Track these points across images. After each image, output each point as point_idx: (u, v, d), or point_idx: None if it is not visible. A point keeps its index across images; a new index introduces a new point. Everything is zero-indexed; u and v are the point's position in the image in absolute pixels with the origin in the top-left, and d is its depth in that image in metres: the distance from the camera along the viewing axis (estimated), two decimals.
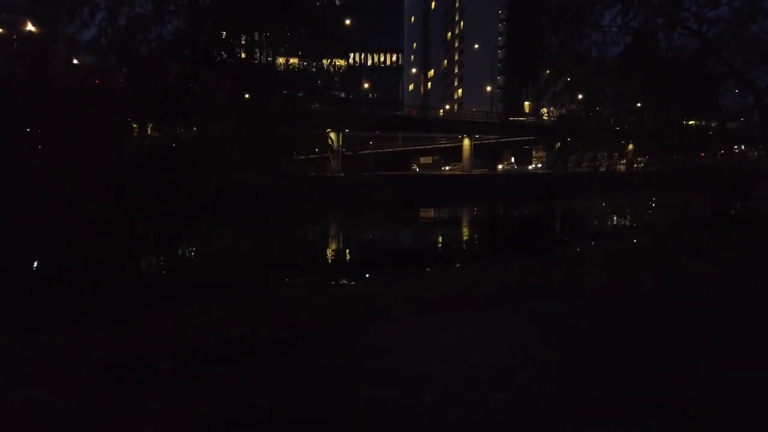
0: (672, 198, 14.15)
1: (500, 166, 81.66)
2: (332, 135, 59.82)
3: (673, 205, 13.78)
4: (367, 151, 62.76)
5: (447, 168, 76.39)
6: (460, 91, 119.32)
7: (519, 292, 6.18)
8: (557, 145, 19.90)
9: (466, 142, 65.46)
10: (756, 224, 12.78)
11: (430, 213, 38.41)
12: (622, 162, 18.30)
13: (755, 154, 15.27)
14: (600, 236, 13.58)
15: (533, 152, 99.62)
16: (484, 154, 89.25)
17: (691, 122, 17.17)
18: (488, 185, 48.77)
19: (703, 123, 16.34)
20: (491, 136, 71.96)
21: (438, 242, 22.12)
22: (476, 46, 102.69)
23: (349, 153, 69.76)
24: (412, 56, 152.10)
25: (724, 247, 9.68)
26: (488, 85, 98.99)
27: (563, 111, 18.36)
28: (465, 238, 21.54)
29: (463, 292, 5.98)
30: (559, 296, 6.04)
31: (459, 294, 5.92)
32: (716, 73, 14.58)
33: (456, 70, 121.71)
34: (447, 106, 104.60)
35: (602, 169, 14.94)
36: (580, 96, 18.38)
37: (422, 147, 78.61)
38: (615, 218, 18.73)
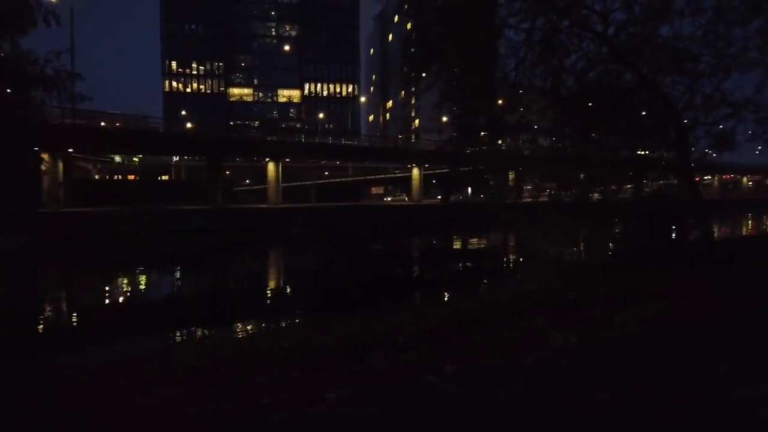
0: (577, 232, 11.68)
1: (451, 197, 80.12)
2: (271, 165, 57.46)
3: (578, 240, 11.30)
4: (308, 182, 60.03)
5: (389, 199, 74.15)
6: (417, 121, 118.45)
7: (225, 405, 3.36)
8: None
9: (415, 171, 63.39)
10: (673, 259, 10.39)
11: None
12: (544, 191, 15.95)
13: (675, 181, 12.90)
14: (487, 278, 11.04)
15: (490, 182, 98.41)
16: (442, 184, 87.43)
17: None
18: (409, 216, 47.93)
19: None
20: (443, 166, 70.10)
21: (275, 286, 18.88)
22: (423, 74, 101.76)
23: (296, 184, 67.03)
24: (371, 88, 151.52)
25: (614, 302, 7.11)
26: (444, 116, 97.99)
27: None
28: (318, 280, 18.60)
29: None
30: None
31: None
32: (627, 84, 12.37)
33: (413, 101, 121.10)
34: (400, 136, 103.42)
35: (491, 200, 12.47)
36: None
37: (372, 177, 76.34)
38: (516, 255, 16.36)
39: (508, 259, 16.68)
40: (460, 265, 22.56)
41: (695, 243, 10.85)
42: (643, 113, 12.76)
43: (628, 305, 7.02)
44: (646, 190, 13.48)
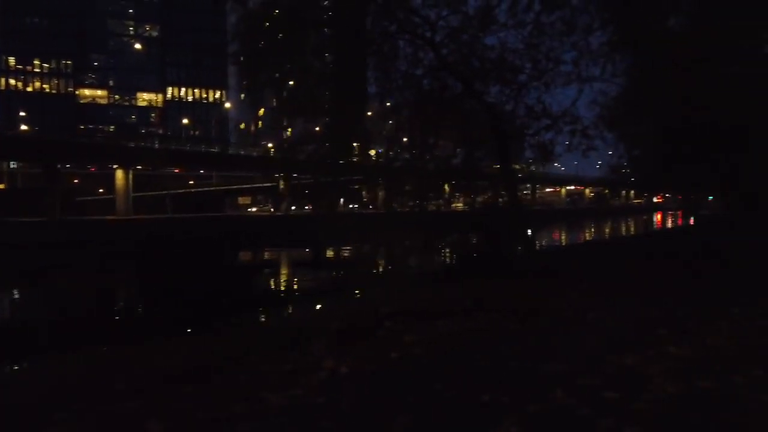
0: (409, 243, 11.30)
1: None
2: (119, 173, 52.72)
3: (407, 251, 10.90)
4: (164, 192, 56.09)
5: (254, 209, 72.10)
6: (289, 130, 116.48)
7: None
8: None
9: (282, 181, 61.86)
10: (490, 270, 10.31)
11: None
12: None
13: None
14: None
15: (362, 192, 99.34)
16: (314, 193, 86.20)
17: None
18: (269, 227, 47.36)
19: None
20: (307, 176, 69.13)
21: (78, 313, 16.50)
22: (290, 83, 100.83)
23: (154, 193, 62.42)
24: (242, 95, 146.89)
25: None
26: (316, 125, 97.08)
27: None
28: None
29: None
30: None
31: None
32: (455, 93, 12.30)
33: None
34: (269, 145, 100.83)
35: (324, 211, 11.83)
36: None
37: (238, 187, 73.52)
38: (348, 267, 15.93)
39: (343, 272, 16.17)
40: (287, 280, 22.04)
41: (514, 253, 10.95)
42: (471, 123, 12.77)
43: (427, 321, 6.49)
44: (479, 200, 13.54)
